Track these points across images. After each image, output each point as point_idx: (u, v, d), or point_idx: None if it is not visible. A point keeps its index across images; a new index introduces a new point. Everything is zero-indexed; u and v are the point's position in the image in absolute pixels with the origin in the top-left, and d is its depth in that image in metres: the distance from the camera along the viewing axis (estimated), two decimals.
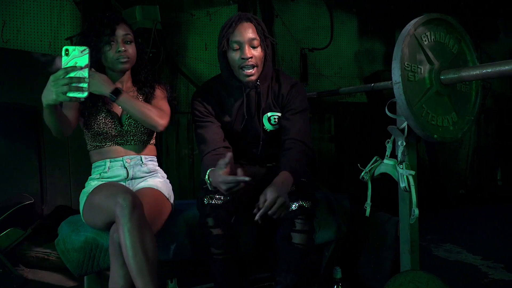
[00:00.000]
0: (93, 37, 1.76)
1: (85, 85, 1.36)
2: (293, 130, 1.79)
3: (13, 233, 2.71)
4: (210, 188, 1.64)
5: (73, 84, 1.35)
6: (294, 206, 1.66)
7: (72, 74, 1.35)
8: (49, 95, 1.40)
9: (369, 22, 4.81)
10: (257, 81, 1.80)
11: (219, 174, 1.53)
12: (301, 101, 1.84)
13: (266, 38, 1.78)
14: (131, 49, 1.81)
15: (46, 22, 3.42)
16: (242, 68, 1.73)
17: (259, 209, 1.51)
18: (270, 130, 1.87)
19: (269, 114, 1.86)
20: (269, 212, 1.50)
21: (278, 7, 4.28)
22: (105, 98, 1.83)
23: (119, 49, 1.77)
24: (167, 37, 3.70)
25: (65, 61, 1.36)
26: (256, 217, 1.51)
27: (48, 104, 1.44)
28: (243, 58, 1.71)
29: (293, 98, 1.84)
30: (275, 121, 1.86)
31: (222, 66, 1.80)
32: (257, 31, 1.74)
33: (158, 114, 1.79)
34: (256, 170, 1.92)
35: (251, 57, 1.72)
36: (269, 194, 1.51)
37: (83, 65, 1.35)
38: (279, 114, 1.86)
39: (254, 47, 1.73)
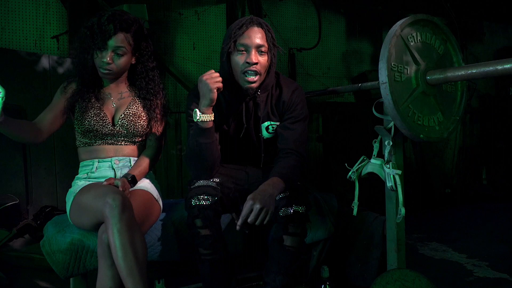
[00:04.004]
0: (88, 38, 1.73)
1: None
2: (290, 140, 1.77)
3: None
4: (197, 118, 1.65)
5: None
6: (289, 211, 1.66)
7: None
8: None
9: (357, 23, 4.84)
10: (258, 91, 1.76)
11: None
12: (302, 108, 1.82)
13: (275, 46, 1.74)
14: (119, 62, 1.76)
15: (31, 21, 3.37)
16: (245, 73, 1.68)
17: (239, 218, 1.52)
18: (267, 138, 1.86)
19: (266, 123, 1.83)
20: (248, 220, 1.50)
21: (267, 7, 4.28)
22: (98, 94, 1.82)
23: (104, 59, 1.73)
24: (154, 36, 3.67)
25: None
26: (237, 227, 1.51)
27: None
28: (248, 63, 1.66)
29: (294, 105, 1.81)
30: (273, 130, 1.84)
31: (223, 68, 1.75)
32: (266, 38, 1.70)
33: (155, 161, 1.89)
34: (246, 169, 1.92)
35: (256, 63, 1.67)
36: (246, 203, 1.51)
37: None
38: (278, 123, 1.83)
39: (261, 54, 1.69)
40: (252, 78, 1.69)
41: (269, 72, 1.76)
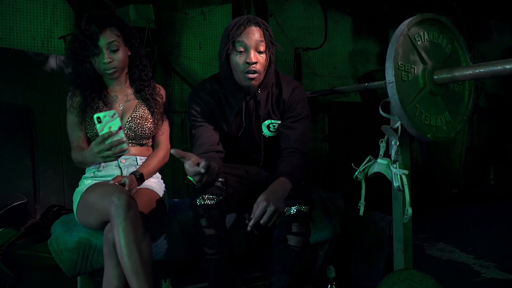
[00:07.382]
0: (78, 50, 1.73)
1: (124, 145, 1.49)
2: (293, 138, 1.76)
3: (5, 233, 2.69)
4: (196, 185, 1.61)
5: (117, 148, 1.48)
6: (292, 211, 1.65)
7: (109, 140, 1.48)
8: (96, 161, 1.57)
9: (363, 22, 4.83)
10: (258, 90, 1.76)
11: (187, 168, 1.50)
12: (302, 107, 1.81)
13: (273, 44, 1.73)
14: (118, 56, 1.75)
15: (39, 21, 3.40)
16: (245, 72, 1.68)
17: (250, 219, 1.49)
18: (269, 136, 1.85)
19: (267, 122, 1.82)
20: (261, 222, 1.48)
21: (272, 7, 4.28)
22: (104, 99, 1.82)
23: (104, 60, 1.73)
24: (161, 36, 3.69)
25: (100, 128, 1.48)
26: (248, 228, 1.49)
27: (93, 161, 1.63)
28: (247, 63, 1.66)
29: (295, 104, 1.80)
30: (274, 128, 1.84)
31: (223, 68, 1.75)
32: (264, 37, 1.69)
33: (166, 158, 1.88)
34: (249, 169, 1.92)
35: (256, 63, 1.67)
36: (259, 204, 1.49)
37: (117, 128, 1.48)
38: (279, 122, 1.83)
39: (259, 53, 1.68)
40: (253, 75, 1.68)
41: (268, 70, 1.75)
